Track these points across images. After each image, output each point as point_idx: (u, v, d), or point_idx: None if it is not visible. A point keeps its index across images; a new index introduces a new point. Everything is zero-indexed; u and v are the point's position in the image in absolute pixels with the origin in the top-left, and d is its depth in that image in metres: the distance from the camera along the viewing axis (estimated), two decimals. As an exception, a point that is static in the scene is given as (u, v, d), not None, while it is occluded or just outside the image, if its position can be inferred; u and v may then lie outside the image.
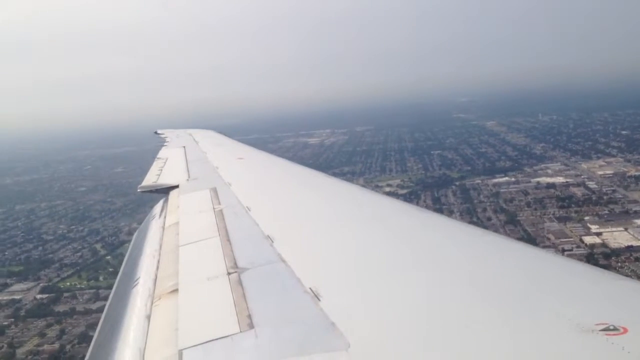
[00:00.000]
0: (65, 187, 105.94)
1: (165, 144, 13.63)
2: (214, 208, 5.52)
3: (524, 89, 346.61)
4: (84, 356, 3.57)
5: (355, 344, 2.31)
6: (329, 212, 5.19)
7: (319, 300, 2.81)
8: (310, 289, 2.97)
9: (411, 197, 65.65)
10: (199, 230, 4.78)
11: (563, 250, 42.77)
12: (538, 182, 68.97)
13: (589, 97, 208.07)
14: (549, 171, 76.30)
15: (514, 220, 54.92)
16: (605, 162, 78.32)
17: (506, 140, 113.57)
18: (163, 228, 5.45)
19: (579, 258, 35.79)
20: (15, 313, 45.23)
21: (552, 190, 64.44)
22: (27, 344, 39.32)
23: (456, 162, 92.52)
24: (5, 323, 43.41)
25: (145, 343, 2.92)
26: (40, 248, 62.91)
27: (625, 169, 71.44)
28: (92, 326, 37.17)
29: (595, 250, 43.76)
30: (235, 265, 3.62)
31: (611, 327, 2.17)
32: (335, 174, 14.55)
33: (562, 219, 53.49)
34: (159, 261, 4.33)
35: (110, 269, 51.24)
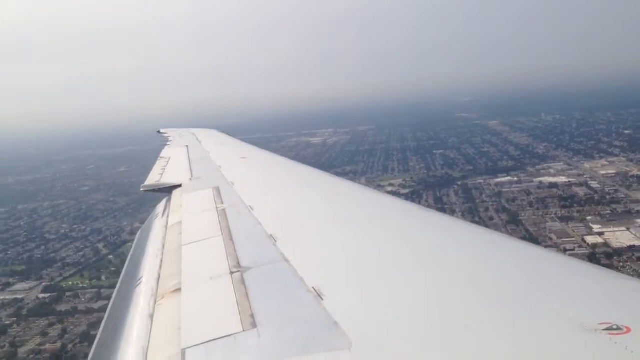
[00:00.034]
0: (67, 186, 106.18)
1: (168, 143, 13.57)
2: (217, 207, 5.51)
3: (525, 89, 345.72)
4: (85, 355, 3.58)
5: (358, 343, 2.31)
6: (332, 212, 5.19)
7: (321, 299, 2.81)
8: (313, 288, 2.97)
9: (413, 197, 65.67)
10: (202, 229, 4.77)
11: (565, 250, 42.67)
12: (540, 182, 68.94)
13: (592, 97, 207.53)
14: (552, 171, 76.26)
15: (516, 220, 54.94)
16: (608, 161, 78.23)
17: (509, 140, 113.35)
18: (166, 227, 5.44)
19: (581, 258, 35.70)
20: (17, 312, 45.41)
21: (555, 190, 64.43)
22: (29, 343, 39.45)
23: (458, 162, 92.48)
24: (8, 322, 43.57)
25: (149, 342, 2.93)
26: (42, 247, 63.10)
27: (627, 169, 71.36)
28: (94, 325, 37.28)
29: (597, 250, 43.70)
30: (238, 265, 3.62)
31: (614, 327, 2.16)
32: (337, 174, 14.54)
33: (564, 219, 53.47)
34: (162, 260, 4.33)
35: (113, 269, 51.35)
